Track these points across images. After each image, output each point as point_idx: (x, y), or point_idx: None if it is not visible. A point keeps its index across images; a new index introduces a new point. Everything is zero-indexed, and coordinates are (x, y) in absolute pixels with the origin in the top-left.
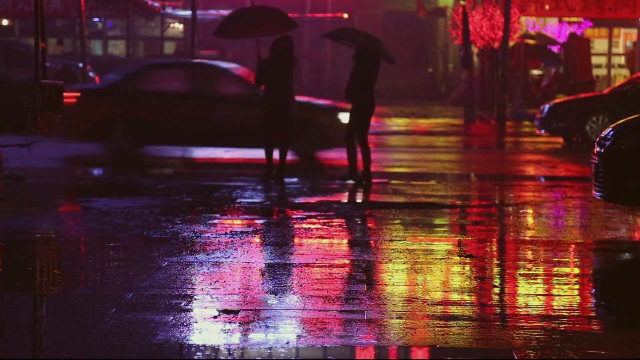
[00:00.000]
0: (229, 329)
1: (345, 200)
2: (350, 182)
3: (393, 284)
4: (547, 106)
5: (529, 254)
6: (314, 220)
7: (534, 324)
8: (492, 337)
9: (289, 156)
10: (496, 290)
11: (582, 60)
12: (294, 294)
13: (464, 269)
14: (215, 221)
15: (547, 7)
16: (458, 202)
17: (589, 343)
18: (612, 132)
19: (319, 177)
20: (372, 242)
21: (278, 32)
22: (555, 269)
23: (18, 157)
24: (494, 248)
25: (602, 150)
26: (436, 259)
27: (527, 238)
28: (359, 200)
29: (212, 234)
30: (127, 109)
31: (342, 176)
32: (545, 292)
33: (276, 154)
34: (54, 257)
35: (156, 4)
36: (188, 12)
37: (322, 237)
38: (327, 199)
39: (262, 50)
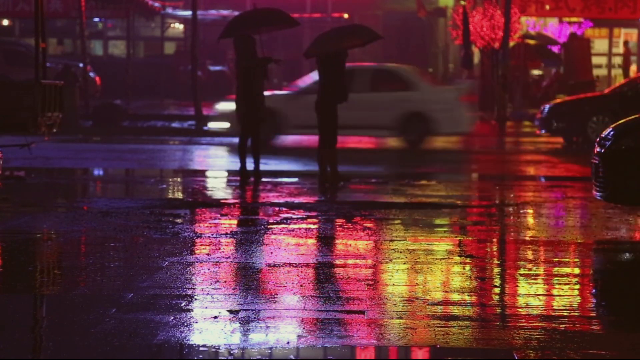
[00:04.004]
0: (230, 329)
1: (346, 200)
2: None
3: (393, 284)
4: (547, 106)
5: (530, 254)
6: (314, 220)
7: (534, 324)
8: (493, 337)
9: None
10: (496, 290)
11: (582, 60)
12: (294, 294)
13: (464, 269)
14: (215, 221)
15: (547, 7)
16: (458, 202)
17: (590, 343)
18: (612, 132)
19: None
20: (372, 242)
21: (279, 30)
22: (556, 269)
23: (18, 157)
24: (495, 248)
25: (603, 150)
26: (436, 259)
27: (527, 238)
28: (359, 200)
29: (212, 234)
30: None
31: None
32: (545, 292)
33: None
34: (54, 257)
35: (156, 4)
36: (188, 12)
37: (323, 237)
38: (327, 198)
39: (266, 50)
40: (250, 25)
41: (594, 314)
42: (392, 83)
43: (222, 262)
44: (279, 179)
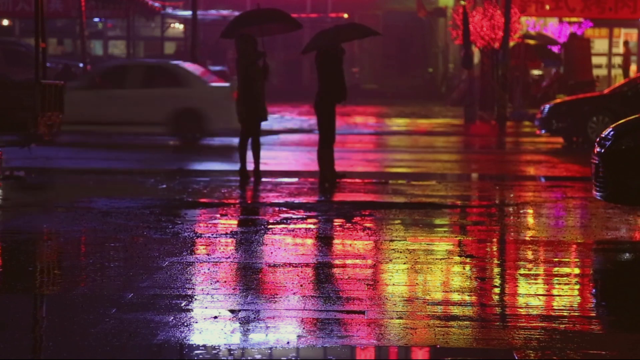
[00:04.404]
0: (229, 329)
1: (346, 201)
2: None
3: (393, 284)
4: (547, 106)
5: (529, 254)
6: (314, 220)
7: (534, 324)
8: (493, 337)
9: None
10: (496, 290)
11: (582, 60)
12: (294, 294)
13: (464, 269)
14: (215, 221)
15: (547, 7)
16: (458, 202)
17: (590, 343)
18: (612, 132)
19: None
20: (372, 242)
21: (282, 33)
22: (556, 269)
23: (18, 157)
24: (494, 248)
25: (603, 151)
26: (436, 259)
27: (527, 238)
28: (359, 200)
29: (212, 234)
30: None
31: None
32: (545, 292)
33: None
34: (54, 257)
35: (156, 4)
36: (188, 12)
37: (322, 237)
38: (327, 198)
39: (267, 49)
40: (253, 23)
41: (594, 314)
42: (165, 79)
43: (222, 262)
44: (279, 179)
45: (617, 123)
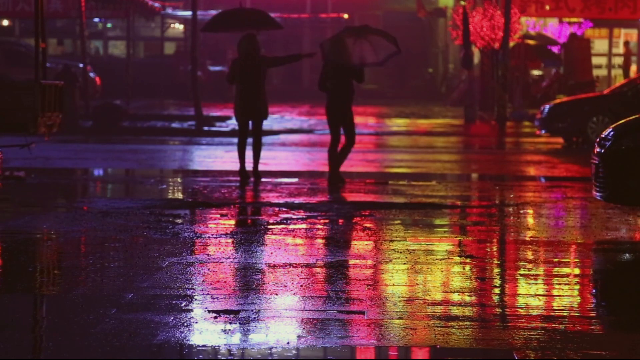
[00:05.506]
0: (229, 329)
1: (346, 201)
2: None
3: (393, 284)
4: (547, 106)
5: (529, 255)
6: (314, 220)
7: (534, 325)
8: (493, 337)
9: None
10: (496, 290)
11: (582, 60)
12: (294, 294)
13: (464, 269)
14: (216, 221)
15: (547, 7)
16: (458, 202)
17: (590, 343)
18: (612, 133)
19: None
20: (372, 242)
21: (262, 30)
22: (556, 269)
23: (18, 157)
24: (494, 248)
25: (602, 151)
26: (436, 259)
27: (527, 238)
28: (359, 200)
29: (212, 234)
30: None
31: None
32: (545, 292)
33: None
34: (54, 257)
35: (156, 4)
36: (188, 13)
37: (322, 237)
38: (327, 199)
39: (262, 50)
40: (234, 25)
41: (594, 314)
42: None
43: (222, 262)
44: (279, 179)
45: (617, 123)
